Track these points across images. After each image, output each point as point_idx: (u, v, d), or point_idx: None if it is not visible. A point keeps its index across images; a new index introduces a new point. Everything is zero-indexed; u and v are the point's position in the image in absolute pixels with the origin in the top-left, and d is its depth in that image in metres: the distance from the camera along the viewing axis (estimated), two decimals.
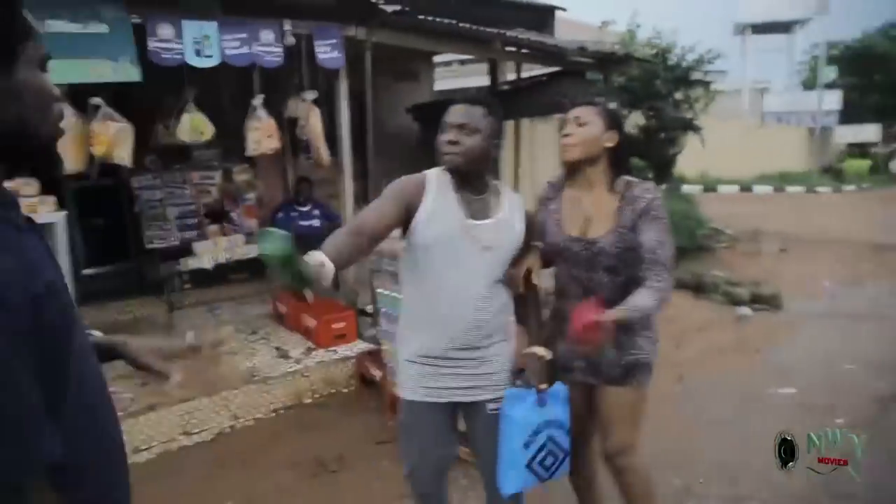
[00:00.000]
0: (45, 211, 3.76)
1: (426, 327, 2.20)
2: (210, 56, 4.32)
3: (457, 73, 13.18)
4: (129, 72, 4.01)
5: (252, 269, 6.73)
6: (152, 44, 4.08)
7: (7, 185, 3.34)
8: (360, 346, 4.90)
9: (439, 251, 2.11)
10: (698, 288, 7.21)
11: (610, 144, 2.27)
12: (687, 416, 4.13)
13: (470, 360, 2.20)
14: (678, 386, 4.64)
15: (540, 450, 2.18)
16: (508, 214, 2.20)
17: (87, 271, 6.68)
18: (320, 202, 6.39)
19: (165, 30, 4.11)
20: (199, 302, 6.27)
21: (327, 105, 5.28)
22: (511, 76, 8.95)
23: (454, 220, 2.11)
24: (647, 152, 10.85)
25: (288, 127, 5.80)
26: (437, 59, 10.31)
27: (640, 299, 2.16)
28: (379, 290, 4.21)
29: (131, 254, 6.78)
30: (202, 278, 6.30)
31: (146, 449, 3.81)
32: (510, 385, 2.25)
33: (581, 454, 2.57)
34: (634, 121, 11.49)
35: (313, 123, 5.12)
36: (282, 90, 5.31)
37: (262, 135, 4.81)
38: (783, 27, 33.13)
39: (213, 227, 6.51)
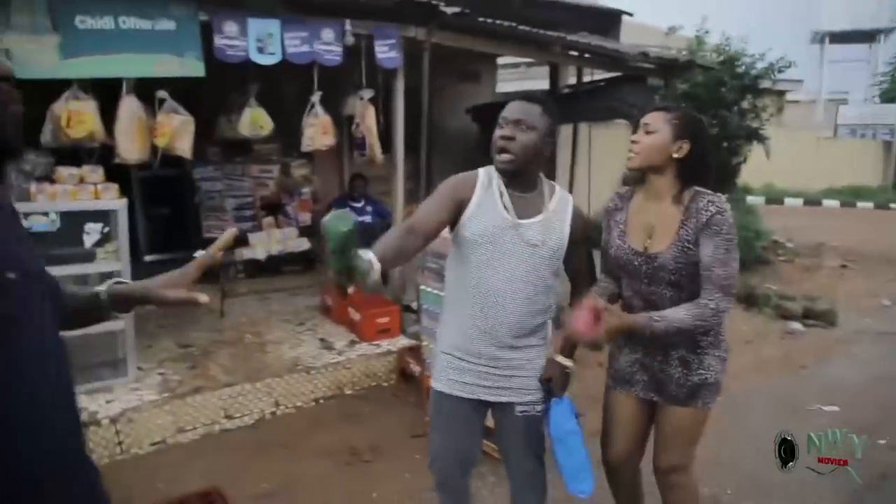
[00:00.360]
0: (107, 198, 3.94)
1: (464, 321, 2.21)
2: (272, 53, 4.44)
3: (523, 74, 13.14)
4: (194, 67, 4.17)
5: (304, 263, 6.90)
6: (218, 41, 4.22)
7: (73, 171, 3.54)
8: (402, 342, 4.99)
9: (484, 247, 2.13)
10: (749, 300, 7.10)
11: (678, 155, 2.14)
12: (723, 427, 4.01)
13: (502, 360, 2.20)
14: (720, 398, 4.57)
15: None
16: (555, 213, 2.19)
17: (148, 257, 6.99)
18: (374, 199, 6.51)
19: (230, 27, 4.25)
20: (252, 291, 6.47)
21: (384, 103, 5.37)
22: (572, 80, 8.93)
23: (500, 216, 2.12)
24: None
25: (345, 124, 5.93)
26: (501, 60, 10.33)
27: (674, 312, 2.08)
28: (422, 287, 4.28)
29: (191, 242, 7.03)
30: (256, 269, 6.52)
31: (191, 430, 3.97)
32: (538, 391, 2.27)
33: (632, 467, 2.54)
34: None
35: (368, 121, 5.22)
36: (340, 88, 5.42)
37: (317, 131, 4.92)
38: (865, 36, 31.69)
39: (268, 220, 6.71)
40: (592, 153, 9.26)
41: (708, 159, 2.18)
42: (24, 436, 1.18)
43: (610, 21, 8.48)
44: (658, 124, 2.15)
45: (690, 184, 2.17)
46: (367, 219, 6.35)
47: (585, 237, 2.26)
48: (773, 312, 6.84)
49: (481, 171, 2.18)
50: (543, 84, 9.78)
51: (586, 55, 6.80)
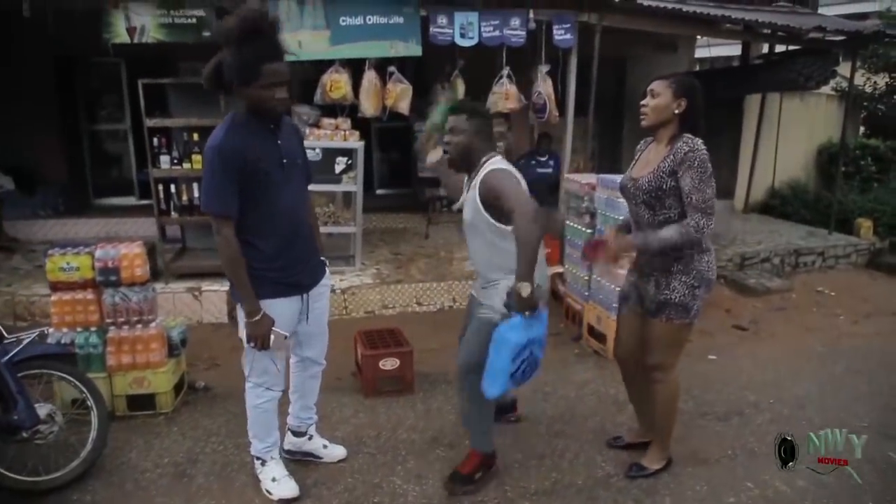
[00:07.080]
0: (352, 140, 5.71)
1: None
2: (472, 38, 5.89)
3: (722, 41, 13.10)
4: (414, 49, 5.78)
5: None
6: (432, 29, 5.77)
7: (331, 121, 5.71)
8: (554, 268, 6.24)
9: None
10: None
11: (679, 111, 2.64)
12: (807, 366, 4.72)
13: (480, 282, 2.97)
14: (823, 348, 5.13)
15: (522, 362, 2.62)
16: (473, 188, 2.76)
17: (379, 191, 8.92)
18: (556, 154, 7.66)
19: (442, 19, 5.76)
20: (451, 221, 8.02)
21: (560, 75, 6.53)
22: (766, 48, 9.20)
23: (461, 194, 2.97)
24: None
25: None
26: None
27: (664, 230, 2.61)
28: (567, 223, 5.50)
29: (410, 181, 8.84)
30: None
31: (392, 308, 5.70)
32: (502, 307, 2.72)
33: (634, 360, 3.06)
34: None
35: (546, 90, 6.44)
36: (525, 62, 6.68)
37: (500, 98, 6.28)
38: None
39: None
40: (782, 121, 9.50)
41: (699, 112, 2.68)
42: (294, 240, 2.68)
43: None
44: (661, 89, 2.68)
45: (685, 131, 2.67)
46: (548, 170, 7.57)
47: (496, 197, 2.62)
48: None
49: None
50: (737, 50, 10.10)
51: (758, 31, 7.22)
